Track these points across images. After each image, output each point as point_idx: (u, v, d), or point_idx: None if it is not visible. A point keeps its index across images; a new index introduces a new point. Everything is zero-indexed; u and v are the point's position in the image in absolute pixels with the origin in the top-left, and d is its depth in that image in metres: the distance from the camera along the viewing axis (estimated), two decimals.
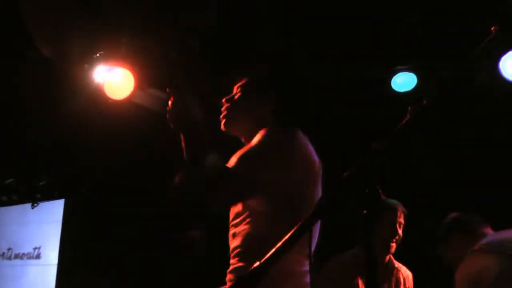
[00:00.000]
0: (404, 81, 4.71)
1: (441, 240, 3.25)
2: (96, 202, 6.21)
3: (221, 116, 2.65)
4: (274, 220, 2.30)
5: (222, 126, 2.65)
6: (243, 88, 2.67)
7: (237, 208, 2.45)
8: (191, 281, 5.44)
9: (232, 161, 2.37)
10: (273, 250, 1.48)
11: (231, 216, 2.50)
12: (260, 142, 2.39)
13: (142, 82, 4.35)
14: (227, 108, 2.65)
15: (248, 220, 2.39)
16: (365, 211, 1.38)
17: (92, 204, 6.27)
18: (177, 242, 5.62)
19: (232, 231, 2.47)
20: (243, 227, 2.40)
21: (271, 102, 2.62)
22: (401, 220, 3.75)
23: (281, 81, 2.75)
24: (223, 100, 2.68)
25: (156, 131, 4.86)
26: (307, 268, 2.35)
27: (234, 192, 2.36)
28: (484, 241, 3.00)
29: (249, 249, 2.36)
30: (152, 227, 5.82)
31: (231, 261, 2.44)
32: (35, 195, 6.81)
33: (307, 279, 2.35)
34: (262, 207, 2.36)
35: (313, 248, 2.36)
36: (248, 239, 2.37)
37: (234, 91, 2.69)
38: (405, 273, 3.90)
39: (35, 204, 6.82)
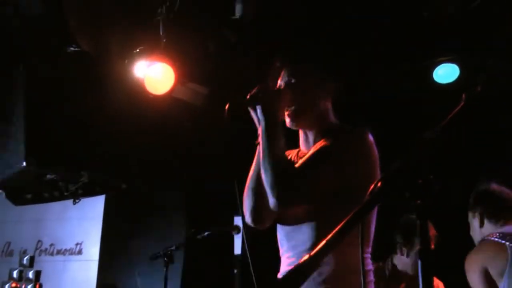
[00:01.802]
0: (446, 73, 4.65)
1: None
2: (136, 198, 6.24)
3: (289, 108, 2.49)
4: None
5: (291, 118, 2.51)
6: (300, 79, 2.53)
7: None
8: (229, 277, 5.45)
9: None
10: (323, 242, 1.45)
11: None
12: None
13: (183, 76, 4.35)
14: (293, 100, 2.49)
15: None
16: (418, 201, 1.35)
17: (133, 200, 6.30)
18: (215, 238, 5.62)
19: None
20: None
21: (329, 95, 2.56)
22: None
23: (337, 74, 2.65)
24: (282, 86, 2.54)
25: (197, 126, 4.87)
26: (371, 267, 2.40)
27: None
28: (498, 230, 3.11)
29: None
30: (192, 222, 5.84)
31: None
32: (76, 191, 6.87)
33: (371, 277, 2.38)
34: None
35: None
36: None
37: (284, 79, 2.56)
38: (436, 285, 3.85)
39: (77, 200, 6.88)
